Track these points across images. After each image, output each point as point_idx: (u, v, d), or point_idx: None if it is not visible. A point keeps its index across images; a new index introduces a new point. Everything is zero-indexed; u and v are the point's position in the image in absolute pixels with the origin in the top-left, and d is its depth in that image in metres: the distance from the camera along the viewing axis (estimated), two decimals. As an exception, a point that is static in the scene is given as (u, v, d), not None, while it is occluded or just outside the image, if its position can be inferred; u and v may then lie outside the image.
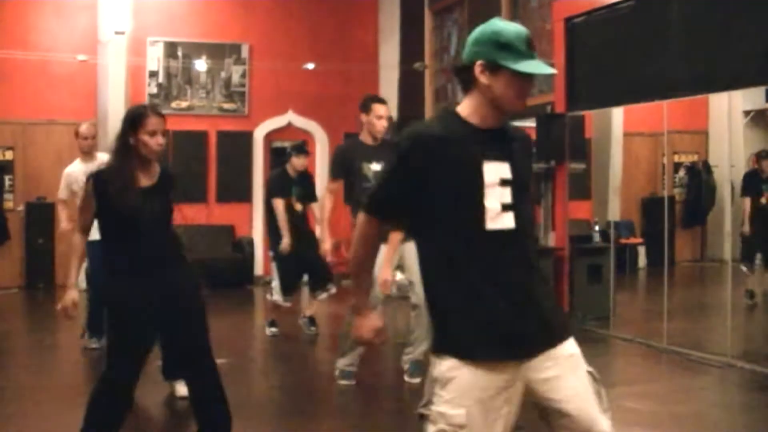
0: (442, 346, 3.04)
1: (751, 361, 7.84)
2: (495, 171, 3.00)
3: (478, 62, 3.00)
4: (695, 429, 6.21)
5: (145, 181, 4.72)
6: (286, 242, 9.22)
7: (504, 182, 3.02)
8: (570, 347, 3.11)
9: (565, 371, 3.04)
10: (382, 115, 7.00)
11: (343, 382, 7.17)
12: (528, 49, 3.00)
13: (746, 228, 10.40)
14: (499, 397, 2.95)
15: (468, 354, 2.95)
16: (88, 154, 8.22)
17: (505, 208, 3.01)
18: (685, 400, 6.94)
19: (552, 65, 10.29)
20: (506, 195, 3.02)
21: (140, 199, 4.62)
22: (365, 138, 7.09)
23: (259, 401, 7.19)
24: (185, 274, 4.88)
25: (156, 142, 4.66)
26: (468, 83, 3.06)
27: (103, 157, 6.82)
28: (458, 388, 2.94)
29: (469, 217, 2.99)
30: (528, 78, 3.01)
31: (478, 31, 3.07)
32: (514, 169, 3.05)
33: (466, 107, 3.07)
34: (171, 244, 4.85)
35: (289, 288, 9.44)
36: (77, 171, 8.22)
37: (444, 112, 3.20)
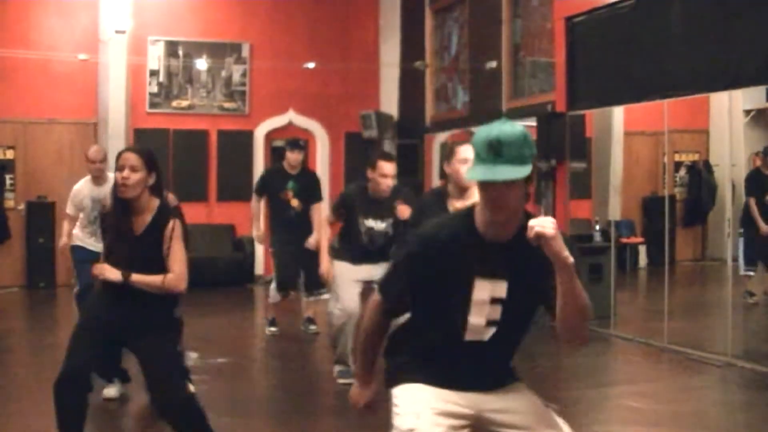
0: (393, 381, 3.22)
1: (752, 360, 7.85)
2: (487, 289, 2.99)
3: None
4: (696, 428, 6.21)
5: (137, 224, 4.57)
6: (257, 234, 9.70)
7: (495, 300, 3.01)
8: (516, 392, 3.21)
9: (522, 405, 3.14)
10: (387, 174, 6.83)
11: (342, 380, 7.17)
12: (488, 152, 2.83)
13: (762, 227, 10.33)
14: (446, 416, 3.03)
15: (415, 380, 3.12)
16: (98, 177, 8.10)
17: (491, 324, 3.04)
18: (686, 399, 6.94)
19: (552, 64, 10.30)
20: (495, 312, 3.03)
21: (129, 247, 4.52)
22: (372, 189, 6.99)
23: (258, 400, 7.20)
24: (157, 321, 4.65)
25: (119, 176, 4.47)
26: None
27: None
28: (407, 400, 3.08)
29: (450, 327, 3.06)
30: (488, 185, 2.86)
31: None
32: (513, 288, 3.00)
33: (479, 212, 2.99)
34: (156, 302, 4.60)
35: (283, 283, 9.42)
36: (85, 192, 8.09)
37: (461, 214, 3.11)
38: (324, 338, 9.50)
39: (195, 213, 13.12)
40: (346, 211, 7.07)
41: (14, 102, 13.57)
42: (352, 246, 7.06)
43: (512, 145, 2.82)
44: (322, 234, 7.64)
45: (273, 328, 9.64)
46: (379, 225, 6.97)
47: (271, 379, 8.17)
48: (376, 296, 3.23)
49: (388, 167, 6.85)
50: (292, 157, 9.38)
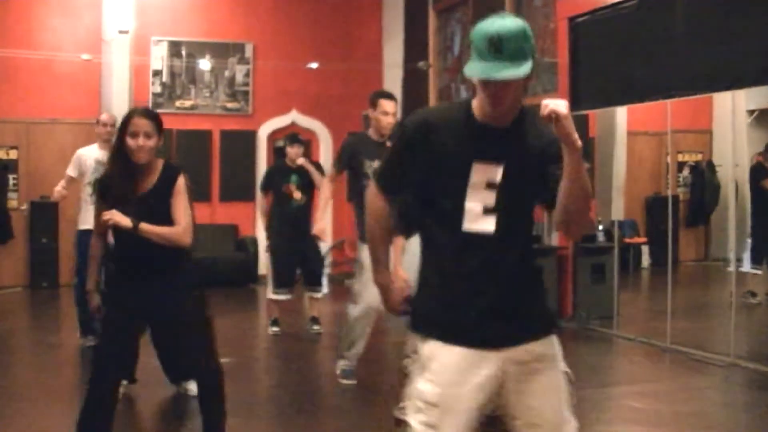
0: (422, 326, 3.09)
1: (755, 361, 7.84)
2: (483, 172, 2.94)
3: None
4: (698, 428, 6.20)
5: (142, 186, 4.60)
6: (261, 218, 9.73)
7: (490, 185, 2.96)
8: (547, 347, 3.10)
9: (540, 370, 3.04)
10: (389, 112, 6.84)
11: (344, 381, 7.17)
12: (489, 49, 2.80)
13: None
14: (470, 385, 2.95)
15: (443, 338, 2.99)
16: (107, 141, 8.26)
17: (487, 211, 2.96)
18: (688, 399, 6.93)
19: (555, 64, 10.29)
20: (490, 198, 2.96)
21: (135, 207, 4.51)
22: (372, 134, 7.01)
23: (261, 400, 7.20)
24: (177, 287, 4.71)
25: (135, 143, 4.50)
26: None
27: None
28: (437, 369, 2.96)
29: (448, 213, 2.98)
30: (491, 82, 2.84)
31: None
32: (508, 173, 2.96)
33: (477, 99, 2.99)
34: (167, 253, 4.62)
35: (281, 282, 9.43)
36: (87, 154, 8.39)
37: (458, 103, 3.12)
38: (327, 338, 9.51)
39: (198, 213, 12.90)
40: (350, 159, 6.95)
41: (17, 102, 13.59)
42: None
43: (512, 40, 2.81)
44: (320, 208, 7.48)
45: (275, 328, 9.64)
46: None
47: (273, 379, 8.17)
48: (373, 187, 3.21)
49: (389, 105, 6.89)
50: (293, 152, 9.41)
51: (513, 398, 3.02)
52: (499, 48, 2.80)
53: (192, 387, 6.26)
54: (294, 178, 9.37)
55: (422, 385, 2.97)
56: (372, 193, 3.19)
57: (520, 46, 2.82)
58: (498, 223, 2.96)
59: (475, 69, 2.83)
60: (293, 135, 9.81)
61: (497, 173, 2.96)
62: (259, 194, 9.59)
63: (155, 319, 4.75)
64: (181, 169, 4.77)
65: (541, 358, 3.05)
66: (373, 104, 6.95)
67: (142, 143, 4.52)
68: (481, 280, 2.98)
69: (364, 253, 6.93)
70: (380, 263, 3.29)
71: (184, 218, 4.64)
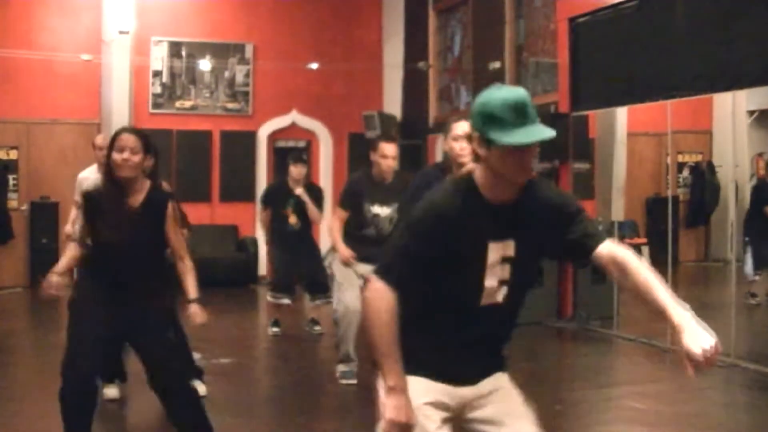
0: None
1: (755, 361, 7.84)
2: (499, 250, 2.96)
3: (474, 134, 2.91)
4: (699, 428, 6.20)
5: (130, 203, 4.61)
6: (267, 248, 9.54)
7: (505, 260, 2.99)
8: (502, 380, 3.16)
9: (500, 397, 3.10)
10: (388, 155, 6.84)
11: (344, 381, 7.17)
12: (516, 116, 2.81)
13: None
14: (438, 409, 3.00)
15: (411, 372, 2.98)
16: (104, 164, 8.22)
17: (502, 283, 3.01)
18: (689, 400, 6.93)
19: (555, 64, 10.29)
20: (505, 272, 3.00)
21: (122, 226, 4.53)
22: (376, 174, 7.01)
23: (261, 400, 7.20)
24: (151, 316, 4.72)
25: (120, 157, 4.52)
26: (475, 152, 2.97)
27: None
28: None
29: (466, 294, 2.99)
30: (522, 148, 2.84)
31: (476, 100, 2.96)
32: (520, 246, 3.00)
33: (479, 177, 2.97)
34: (148, 277, 4.68)
35: (279, 286, 9.44)
36: (92, 179, 8.24)
37: (460, 182, 3.04)
38: (327, 339, 9.50)
39: (198, 214, 13.11)
40: (353, 200, 6.99)
41: (17, 102, 13.58)
42: (358, 239, 6.97)
43: (530, 104, 2.86)
44: (337, 242, 7.19)
45: (275, 329, 9.65)
46: (384, 211, 6.92)
47: (273, 380, 8.17)
48: (379, 284, 2.93)
49: (388, 148, 6.87)
50: (296, 171, 9.33)
51: (475, 419, 3.09)
52: (526, 113, 2.83)
53: (199, 387, 6.25)
54: (292, 202, 9.31)
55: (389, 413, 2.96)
56: (377, 292, 2.93)
57: (533, 109, 2.87)
58: (507, 293, 3.03)
59: (518, 136, 2.81)
60: (297, 154, 9.81)
61: (510, 248, 2.99)
62: (259, 206, 9.54)
63: (131, 339, 4.75)
64: (170, 196, 4.84)
65: (499, 387, 3.12)
66: (374, 147, 6.97)
67: (126, 157, 4.53)
68: (479, 346, 3.07)
69: (335, 265, 7.24)
70: (395, 367, 2.92)
71: (185, 251, 4.80)
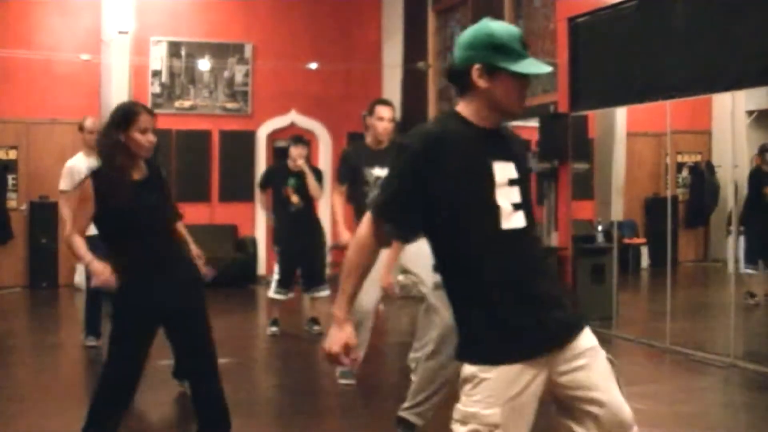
0: (469, 353, 3.00)
1: (754, 361, 7.84)
2: (503, 171, 2.98)
3: (475, 66, 2.95)
4: (698, 429, 6.20)
5: (136, 175, 4.68)
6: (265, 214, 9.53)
7: (512, 182, 3.00)
8: (589, 338, 3.13)
9: (590, 361, 3.06)
10: (384, 117, 6.87)
11: (343, 381, 7.16)
12: (523, 47, 2.98)
13: None
14: (528, 393, 2.93)
15: (494, 361, 2.92)
16: (93, 148, 8.24)
17: (516, 207, 2.99)
18: (688, 400, 6.93)
19: (555, 65, 10.29)
20: (515, 194, 3.00)
21: (135, 193, 4.60)
22: (370, 141, 7.01)
23: (260, 400, 7.20)
24: (187, 271, 4.88)
25: (147, 139, 4.60)
26: (464, 87, 3.00)
27: None
28: (490, 389, 2.90)
29: (484, 217, 2.95)
30: (526, 79, 2.99)
31: (471, 34, 3.02)
32: (519, 169, 3.04)
33: (465, 109, 3.01)
34: (172, 240, 4.83)
35: (285, 282, 9.44)
36: (81, 164, 8.30)
37: (447, 114, 3.13)
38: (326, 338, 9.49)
39: (197, 213, 13.15)
40: (351, 170, 6.95)
41: (17, 102, 13.60)
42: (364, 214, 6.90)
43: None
44: (339, 223, 7.18)
45: (274, 328, 9.64)
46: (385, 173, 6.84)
47: (273, 380, 8.17)
48: (369, 218, 3.01)
49: (384, 110, 6.93)
50: (296, 152, 9.31)
51: (571, 394, 3.04)
52: (527, 46, 3.03)
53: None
54: (292, 181, 9.32)
55: (477, 409, 2.91)
56: (366, 223, 3.03)
57: None
58: (526, 217, 3.03)
59: (532, 66, 2.98)
60: (298, 137, 9.80)
61: (513, 170, 3.02)
62: (257, 191, 9.53)
63: (177, 309, 4.74)
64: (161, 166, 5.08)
65: (584, 353, 3.07)
66: (370, 111, 6.99)
67: (152, 139, 4.65)
68: (526, 282, 3.00)
69: None
70: (346, 297, 3.07)
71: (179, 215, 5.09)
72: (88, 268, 4.66)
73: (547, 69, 3.00)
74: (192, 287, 4.84)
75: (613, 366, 3.16)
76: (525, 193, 3.05)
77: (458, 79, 3.02)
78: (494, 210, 2.94)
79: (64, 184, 8.55)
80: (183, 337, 4.86)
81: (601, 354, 3.14)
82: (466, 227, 2.95)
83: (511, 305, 2.93)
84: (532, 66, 2.96)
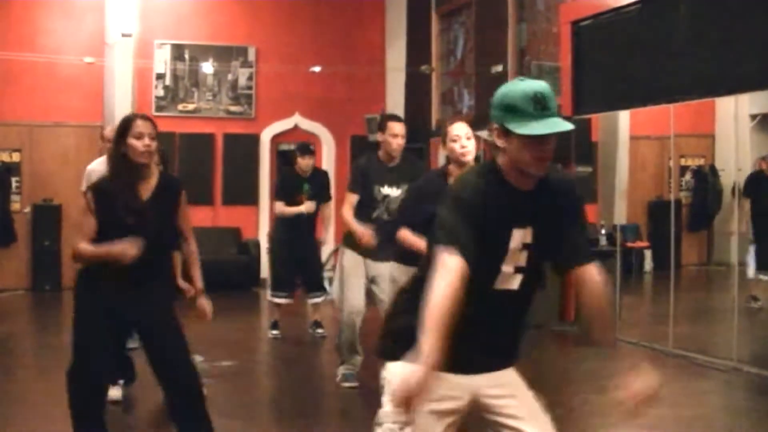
0: (395, 354, 3.04)
1: (757, 365, 7.83)
2: (520, 237, 2.99)
3: (494, 126, 2.97)
4: (700, 432, 6.21)
5: (142, 192, 4.65)
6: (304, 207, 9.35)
7: (524, 246, 3.02)
8: (512, 375, 3.20)
9: (510, 393, 3.13)
10: (398, 134, 6.85)
11: (346, 384, 7.17)
12: (536, 108, 2.88)
13: None
14: (446, 404, 3.01)
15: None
16: None
17: (517, 270, 3.04)
18: (691, 404, 6.92)
19: (558, 68, 10.28)
20: (522, 258, 3.03)
21: (139, 215, 4.56)
22: (383, 157, 6.99)
23: (262, 403, 7.20)
24: (158, 293, 4.80)
25: (142, 143, 4.56)
26: (496, 145, 3.01)
27: None
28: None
29: (482, 276, 2.96)
30: (540, 140, 2.90)
31: (496, 93, 3.01)
32: (536, 233, 3.04)
33: (502, 164, 3.01)
34: (160, 261, 4.79)
35: (279, 285, 9.47)
36: (98, 170, 8.26)
37: (489, 168, 3.06)
38: (329, 342, 9.51)
39: (200, 216, 13.15)
40: (363, 183, 6.93)
41: (20, 105, 13.61)
42: (370, 224, 6.87)
43: (552, 97, 2.93)
44: (353, 227, 6.97)
45: (275, 331, 9.66)
46: (394, 192, 6.84)
47: (275, 382, 8.17)
48: (447, 257, 2.81)
49: (398, 127, 6.88)
50: (304, 162, 9.45)
51: (497, 404, 3.11)
52: (546, 105, 2.90)
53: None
54: (306, 187, 9.41)
55: (390, 407, 3.01)
56: (453, 264, 2.80)
57: (555, 103, 2.96)
58: (522, 280, 3.06)
59: (535, 128, 2.88)
60: (306, 146, 9.84)
61: (529, 235, 3.03)
62: (278, 204, 9.45)
63: (147, 322, 4.74)
64: (181, 182, 4.95)
65: (507, 385, 3.16)
66: (382, 127, 6.96)
67: (148, 143, 4.60)
68: (488, 326, 3.07)
69: (345, 258, 7.04)
70: (437, 343, 2.71)
71: (191, 234, 4.96)
72: (111, 258, 4.52)
73: (558, 128, 2.91)
74: (161, 305, 4.79)
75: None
76: (536, 256, 3.06)
77: (491, 136, 3.02)
78: (495, 273, 3.00)
79: (84, 186, 8.56)
80: (150, 353, 4.81)
81: (524, 389, 3.20)
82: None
83: (461, 340, 2.88)
84: (536, 127, 2.88)
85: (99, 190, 4.64)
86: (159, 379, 4.79)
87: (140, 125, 4.61)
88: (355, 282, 7.00)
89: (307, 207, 9.34)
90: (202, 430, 4.79)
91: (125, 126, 4.64)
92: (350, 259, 7.05)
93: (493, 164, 3.05)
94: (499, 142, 2.95)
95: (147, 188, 4.68)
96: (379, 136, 6.99)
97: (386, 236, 6.49)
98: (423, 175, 6.42)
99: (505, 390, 3.11)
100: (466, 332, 2.96)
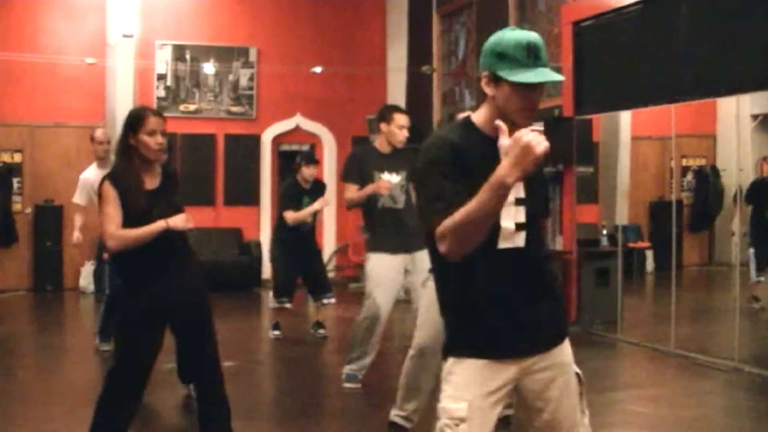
0: (445, 349, 3.09)
1: (758, 365, 7.82)
2: (513, 191, 2.90)
3: (483, 73, 2.95)
4: (702, 433, 6.21)
5: (149, 183, 4.71)
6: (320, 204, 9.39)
7: (519, 201, 2.99)
8: (562, 353, 3.16)
9: (556, 375, 3.10)
10: (404, 125, 6.89)
11: (348, 385, 7.16)
12: (529, 57, 2.87)
13: None
14: (495, 393, 3.00)
15: (462, 353, 3.01)
16: (103, 159, 8.27)
17: (519, 227, 3.00)
18: (692, 404, 6.93)
19: (559, 69, 10.28)
20: (520, 214, 3.00)
21: (147, 202, 4.62)
22: (381, 146, 7.00)
23: (264, 403, 7.21)
24: (193, 275, 4.89)
25: (155, 141, 4.64)
26: (483, 93, 3.00)
27: None
28: (458, 384, 2.99)
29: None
30: (530, 88, 2.89)
31: (488, 41, 2.98)
32: (529, 187, 3.02)
33: (481, 116, 3.01)
34: (180, 246, 4.82)
35: (281, 290, 9.49)
36: (93, 177, 8.25)
37: (461, 123, 3.08)
38: (331, 342, 9.53)
39: (202, 217, 13.12)
40: (361, 172, 6.90)
41: (21, 105, 13.62)
42: (378, 220, 6.90)
43: (543, 48, 2.91)
44: (365, 191, 6.88)
45: (276, 332, 9.68)
46: (395, 178, 6.87)
47: (277, 383, 8.18)
48: (435, 220, 2.81)
49: (403, 118, 6.95)
50: (308, 172, 9.46)
51: (530, 403, 3.10)
52: (538, 55, 2.89)
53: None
54: (306, 200, 9.42)
55: (446, 403, 2.99)
56: (441, 224, 2.80)
57: (545, 53, 2.93)
58: (527, 237, 3.02)
59: (527, 76, 2.87)
60: (311, 155, 9.92)
61: (521, 189, 3.00)
62: (288, 213, 9.40)
63: (179, 312, 4.76)
64: (176, 169, 5.17)
65: (556, 365, 3.11)
66: (386, 118, 6.95)
67: (161, 140, 4.69)
68: (514, 297, 3.02)
69: (370, 263, 6.96)
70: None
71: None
72: (167, 231, 4.62)
73: (546, 78, 2.89)
74: (195, 292, 4.86)
75: (580, 382, 3.20)
76: (533, 212, 3.04)
77: (479, 84, 3.02)
78: (494, 230, 2.91)
79: (77, 197, 8.55)
80: (185, 339, 4.89)
81: (571, 371, 3.17)
82: None
83: (493, 315, 2.98)
84: (529, 76, 2.87)
85: (114, 178, 4.66)
86: (187, 366, 4.90)
87: (153, 122, 4.68)
88: (384, 287, 6.91)
89: (320, 203, 9.35)
90: (223, 415, 4.92)
91: (137, 120, 4.68)
92: (375, 258, 6.96)
93: (467, 120, 3.04)
94: (488, 90, 2.94)
95: (152, 180, 4.74)
96: (382, 127, 6.98)
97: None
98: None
99: (548, 373, 3.08)
100: (497, 311, 2.98)
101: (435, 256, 3.01)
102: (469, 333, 3.02)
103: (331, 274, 10.27)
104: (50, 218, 13.56)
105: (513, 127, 2.85)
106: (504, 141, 2.75)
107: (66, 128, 13.82)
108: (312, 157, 9.76)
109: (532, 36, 2.92)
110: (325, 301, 9.61)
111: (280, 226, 9.64)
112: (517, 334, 3.02)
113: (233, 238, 14.63)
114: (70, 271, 13.68)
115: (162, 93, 14.42)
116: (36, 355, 9.29)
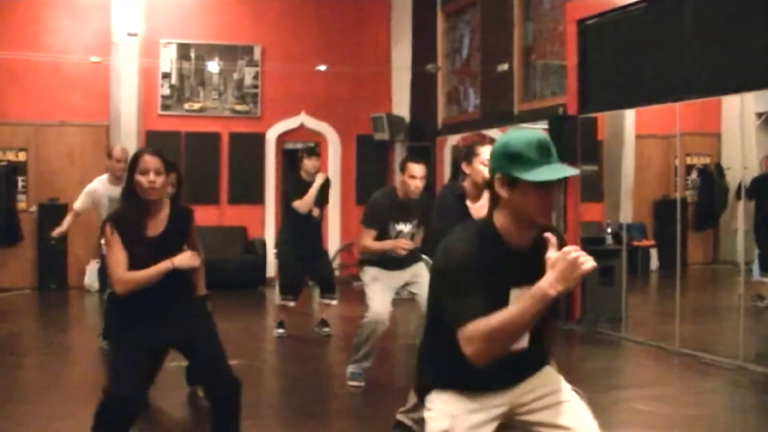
0: (426, 391, 3.19)
1: (763, 364, 7.82)
2: (519, 297, 2.93)
3: (497, 176, 2.96)
4: (707, 431, 6.19)
5: (153, 227, 4.62)
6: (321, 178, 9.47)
7: None
8: (547, 377, 3.28)
9: (550, 387, 3.22)
10: (416, 176, 6.87)
11: (353, 383, 7.17)
12: (541, 155, 2.90)
13: None
14: (480, 412, 3.08)
15: (449, 389, 3.12)
16: (119, 178, 8.14)
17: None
18: (697, 403, 6.92)
19: (563, 67, 10.28)
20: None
21: (147, 251, 4.55)
22: (400, 193, 7.04)
23: (269, 402, 7.20)
24: (191, 313, 4.86)
25: (147, 179, 4.52)
26: (496, 198, 3.00)
27: None
28: (441, 406, 3.08)
29: None
30: (548, 185, 2.90)
31: (496, 144, 3.01)
32: None
33: (500, 222, 3.01)
34: (181, 294, 4.77)
35: (287, 288, 9.48)
36: (102, 190, 8.22)
37: (482, 225, 3.07)
38: (335, 341, 9.53)
39: (206, 215, 13.13)
40: (379, 219, 6.99)
41: (26, 104, 13.63)
42: (381, 257, 7.02)
43: (552, 144, 2.94)
44: (382, 245, 7.04)
45: (281, 330, 9.67)
46: (406, 227, 7.02)
47: (281, 381, 8.18)
48: (467, 329, 2.86)
49: (417, 169, 6.89)
50: (310, 164, 9.43)
51: (533, 420, 3.19)
52: (550, 152, 2.92)
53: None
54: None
55: (430, 424, 3.07)
56: (471, 333, 2.86)
57: (555, 149, 2.96)
58: (530, 338, 3.06)
59: (545, 173, 2.88)
60: (312, 148, 9.96)
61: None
62: (296, 203, 9.41)
63: (182, 340, 4.76)
64: (192, 211, 4.93)
65: (542, 384, 3.23)
66: (402, 168, 7.01)
67: (152, 179, 4.54)
68: (507, 376, 3.14)
69: (366, 276, 7.14)
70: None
71: (200, 247, 4.98)
72: (174, 270, 4.60)
73: (562, 174, 2.91)
74: (194, 322, 4.84)
75: (580, 397, 3.30)
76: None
77: (491, 190, 3.03)
78: None
79: (78, 204, 8.51)
80: (198, 364, 4.95)
81: (566, 385, 3.29)
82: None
83: (478, 377, 3.02)
84: (545, 173, 2.88)
85: (119, 222, 4.61)
86: (202, 384, 4.91)
87: (146, 161, 4.56)
88: (380, 292, 7.03)
89: (320, 177, 9.39)
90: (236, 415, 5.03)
91: (133, 160, 4.61)
92: (371, 271, 7.11)
93: (489, 225, 3.03)
94: (503, 192, 2.94)
95: (160, 221, 4.66)
96: (398, 177, 7.10)
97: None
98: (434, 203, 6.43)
99: (538, 392, 3.16)
100: (484, 374, 2.99)
101: (435, 321, 3.09)
102: (447, 375, 3.11)
103: (335, 273, 10.26)
104: (55, 217, 13.43)
105: (528, 230, 2.96)
106: (552, 254, 2.80)
107: (70, 127, 13.83)
108: (312, 150, 9.78)
109: (540, 134, 2.96)
110: (326, 301, 9.61)
111: (285, 225, 9.63)
112: (505, 374, 3.11)
113: (237, 236, 14.64)
114: (74, 270, 13.69)
115: (166, 91, 14.42)
116: (40, 353, 9.29)
